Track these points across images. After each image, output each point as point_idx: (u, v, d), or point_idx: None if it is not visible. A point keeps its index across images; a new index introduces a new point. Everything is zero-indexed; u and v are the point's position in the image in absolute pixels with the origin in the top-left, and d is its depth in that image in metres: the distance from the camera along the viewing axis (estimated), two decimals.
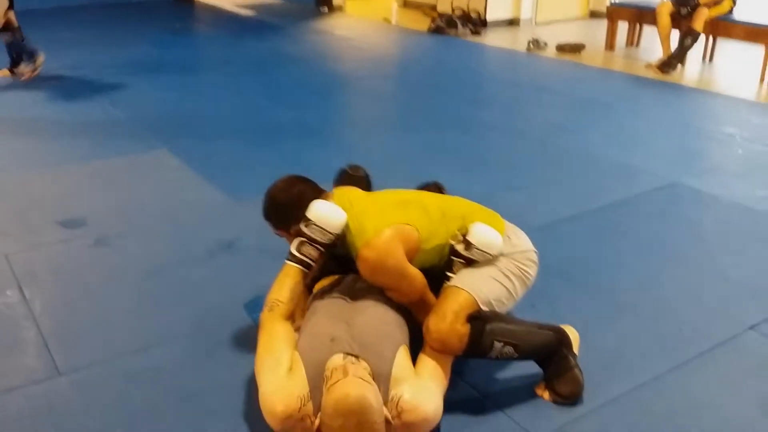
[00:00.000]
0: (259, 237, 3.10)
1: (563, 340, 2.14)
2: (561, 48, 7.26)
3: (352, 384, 1.73)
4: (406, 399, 1.84)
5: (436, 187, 2.73)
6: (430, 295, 2.15)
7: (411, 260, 2.09)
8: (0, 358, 2.30)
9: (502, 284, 2.15)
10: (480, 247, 2.13)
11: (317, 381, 1.84)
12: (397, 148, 4.43)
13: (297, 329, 2.09)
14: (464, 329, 2.01)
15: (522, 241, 2.29)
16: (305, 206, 2.12)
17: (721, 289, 2.79)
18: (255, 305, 2.58)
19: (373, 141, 4.59)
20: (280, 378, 1.88)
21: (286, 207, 2.20)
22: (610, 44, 7.37)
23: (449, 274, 2.15)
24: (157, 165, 4.02)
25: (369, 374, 1.83)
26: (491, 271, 2.16)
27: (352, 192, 2.27)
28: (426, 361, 2.00)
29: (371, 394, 1.72)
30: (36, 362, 2.29)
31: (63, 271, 2.86)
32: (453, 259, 2.16)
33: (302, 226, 2.11)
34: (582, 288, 2.79)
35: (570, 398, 2.10)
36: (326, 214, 2.09)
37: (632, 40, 7.47)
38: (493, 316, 2.08)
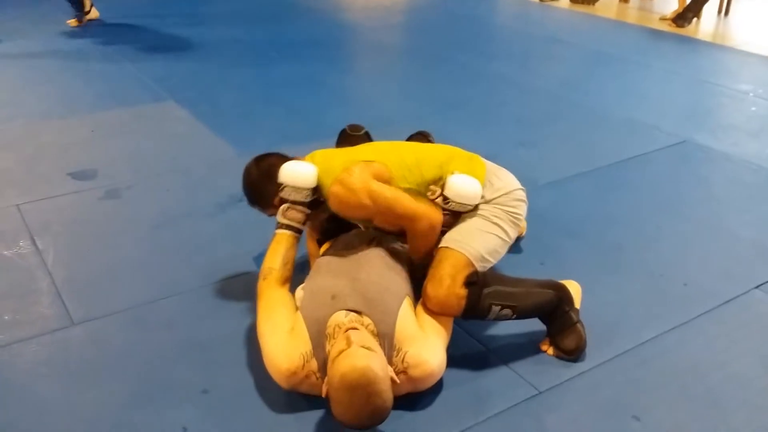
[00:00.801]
0: None
1: (564, 296, 2.15)
2: None
3: (356, 355, 1.71)
4: (411, 354, 1.88)
5: (422, 136, 2.72)
6: (426, 207, 2.14)
7: None
8: (15, 308, 2.34)
9: (492, 234, 2.17)
10: (457, 200, 2.15)
11: (320, 339, 1.87)
12: (405, 101, 4.40)
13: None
14: (462, 292, 2.03)
15: (506, 182, 2.28)
16: (276, 174, 2.15)
17: (729, 248, 2.80)
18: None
19: (381, 94, 4.56)
20: (281, 338, 1.92)
21: (260, 183, 2.22)
22: None
23: None
24: (165, 116, 4.01)
25: (373, 334, 1.86)
26: (478, 223, 2.18)
27: (323, 150, 2.28)
28: (427, 316, 2.03)
29: (376, 363, 1.72)
30: (50, 312, 2.33)
31: (75, 222, 2.89)
32: None
33: (279, 192, 2.15)
34: (590, 245, 2.80)
35: (573, 353, 2.13)
36: (294, 170, 2.12)
37: None
38: (491, 278, 2.10)
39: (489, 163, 2.32)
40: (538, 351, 2.18)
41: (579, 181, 3.34)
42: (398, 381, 1.81)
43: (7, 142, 3.63)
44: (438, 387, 2.00)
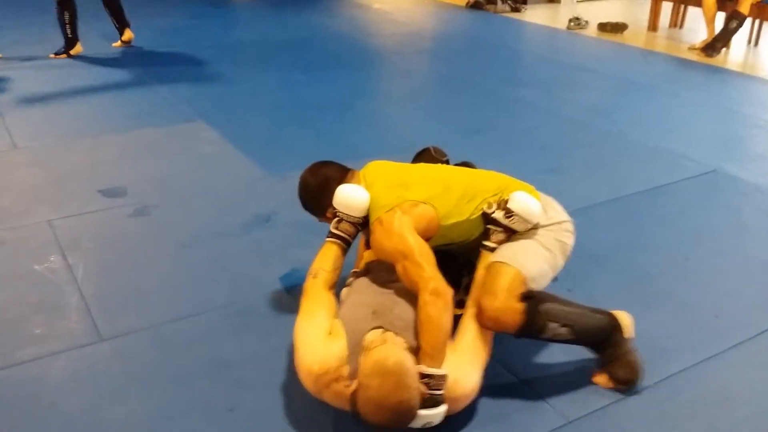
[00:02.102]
0: (295, 212, 3.09)
1: (616, 324, 2.10)
2: (602, 27, 7.14)
3: (391, 348, 1.77)
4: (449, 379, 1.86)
5: (466, 166, 2.70)
6: (440, 282, 1.99)
7: (429, 238, 2.10)
8: (45, 322, 2.37)
9: (545, 257, 2.15)
10: (521, 214, 2.11)
11: (356, 349, 1.87)
12: (431, 126, 4.42)
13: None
14: (519, 307, 1.99)
15: (558, 213, 2.28)
16: (333, 188, 2.17)
17: (761, 279, 2.75)
18: (290, 278, 2.62)
19: (409, 118, 4.58)
20: (318, 339, 1.92)
21: (314, 195, 2.25)
22: (653, 24, 7.22)
23: (487, 243, 2.15)
24: (194, 136, 4.06)
25: (407, 348, 1.86)
26: (532, 245, 2.15)
27: (378, 167, 2.28)
28: (466, 335, 2.00)
29: (408, 360, 1.76)
30: (79, 327, 2.35)
31: (104, 238, 2.92)
32: (491, 228, 2.15)
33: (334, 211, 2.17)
34: (618, 274, 2.78)
35: (630, 383, 2.08)
36: (348, 198, 2.13)
37: (676, 21, 7.31)
38: (547, 296, 2.06)
39: (541, 194, 2.32)
40: (568, 379, 2.15)
41: (606, 209, 3.31)
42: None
43: (40, 159, 3.69)
44: (465, 412, 1.98)
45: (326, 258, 2.13)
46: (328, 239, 2.17)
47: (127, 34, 5.89)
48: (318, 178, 2.25)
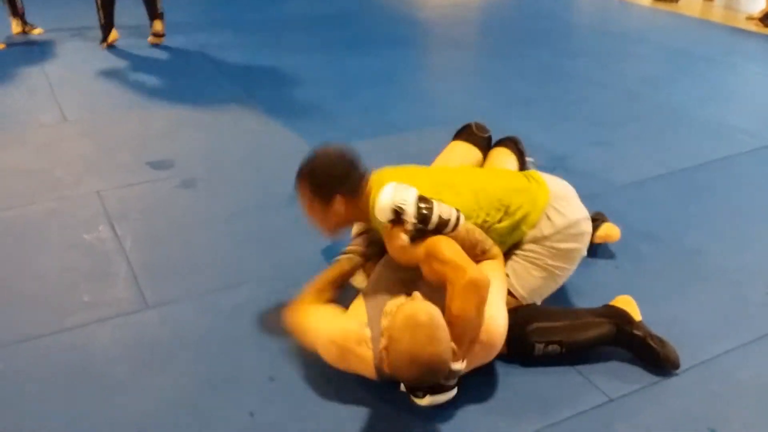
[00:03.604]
0: None
1: (622, 320, 2.07)
2: None
3: (421, 303, 1.77)
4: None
5: (513, 143, 2.62)
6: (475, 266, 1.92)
7: None
8: (93, 290, 2.42)
9: (538, 275, 2.13)
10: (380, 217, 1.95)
11: (377, 315, 1.89)
12: (478, 99, 4.35)
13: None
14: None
15: (567, 213, 2.15)
16: (351, 181, 2.04)
17: None
18: (332, 251, 2.61)
19: (454, 91, 4.52)
20: (333, 316, 1.97)
21: (340, 174, 2.06)
22: None
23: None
24: (241, 111, 4.08)
25: None
26: (521, 266, 2.13)
27: (385, 176, 2.11)
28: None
29: (439, 314, 1.75)
30: (126, 295, 2.40)
31: (152, 209, 2.97)
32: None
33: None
34: (668, 249, 2.70)
35: (665, 366, 2.04)
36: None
37: None
38: (536, 315, 2.07)
39: (553, 189, 2.20)
40: (611, 357, 2.11)
41: (658, 184, 3.22)
42: (459, 352, 1.78)
43: (90, 131, 3.76)
44: (505, 390, 1.98)
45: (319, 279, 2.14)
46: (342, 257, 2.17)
47: (157, 27, 5.31)
48: (344, 159, 2.07)
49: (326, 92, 4.41)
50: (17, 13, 5.37)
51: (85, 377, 2.04)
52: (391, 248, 2.00)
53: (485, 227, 2.07)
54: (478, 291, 1.82)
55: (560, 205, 2.17)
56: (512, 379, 2.02)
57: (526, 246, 2.14)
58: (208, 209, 2.99)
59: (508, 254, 2.16)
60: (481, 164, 2.60)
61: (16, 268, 2.55)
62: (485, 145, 2.62)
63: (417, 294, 1.82)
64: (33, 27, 5.44)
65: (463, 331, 1.81)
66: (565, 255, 2.15)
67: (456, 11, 6.69)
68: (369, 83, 4.55)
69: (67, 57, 4.99)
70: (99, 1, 4.96)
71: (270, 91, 4.40)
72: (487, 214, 2.07)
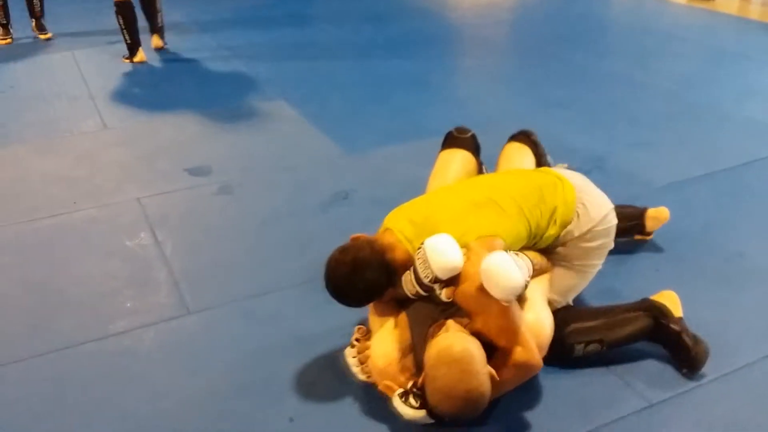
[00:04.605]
0: (372, 189, 3.16)
1: (659, 314, 2.05)
2: None
3: (455, 336, 1.74)
4: (530, 319, 1.86)
5: (525, 136, 2.54)
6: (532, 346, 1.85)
7: None
8: (136, 296, 2.47)
9: (570, 275, 2.10)
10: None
11: (420, 340, 1.85)
12: (511, 101, 4.33)
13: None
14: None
15: (592, 214, 2.06)
16: (390, 270, 1.91)
17: None
18: None
19: (486, 94, 4.50)
20: (384, 333, 1.94)
21: (374, 288, 1.94)
22: None
23: None
24: (275, 115, 4.12)
25: (468, 329, 1.82)
26: (557, 270, 2.09)
27: (404, 211, 2.04)
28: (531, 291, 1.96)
29: (474, 345, 1.72)
30: (168, 301, 2.44)
31: (191, 216, 3.02)
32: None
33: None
34: (709, 251, 2.66)
35: (693, 368, 2.02)
36: (448, 264, 1.81)
37: None
38: (572, 315, 2.05)
39: (576, 183, 2.13)
40: (647, 357, 2.09)
41: (698, 185, 3.17)
42: (498, 378, 1.75)
43: (129, 139, 3.83)
44: (546, 394, 1.97)
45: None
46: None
47: (155, 42, 5.35)
48: (367, 270, 1.89)
49: (359, 95, 4.43)
50: (34, 15, 5.52)
51: (129, 382, 2.08)
52: (466, 292, 1.81)
53: (536, 240, 2.04)
54: (528, 373, 1.84)
55: (586, 200, 2.10)
56: (551, 383, 2.01)
57: (557, 248, 2.10)
58: (245, 215, 3.02)
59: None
60: (476, 165, 2.52)
61: (61, 274, 2.61)
62: (472, 145, 2.52)
63: (450, 323, 1.79)
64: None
65: (497, 392, 1.79)
66: (595, 252, 2.11)
67: (489, 11, 6.66)
68: (402, 86, 4.56)
69: (103, 67, 5.03)
70: (122, 22, 4.90)
71: (303, 93, 4.43)
72: (537, 226, 2.02)
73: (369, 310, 2.08)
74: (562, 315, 2.04)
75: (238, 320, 2.34)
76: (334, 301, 2.18)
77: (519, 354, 1.78)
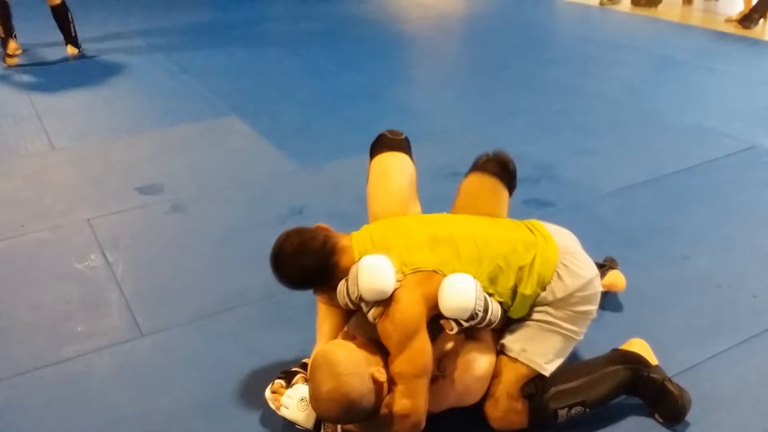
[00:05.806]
0: (327, 202, 3.17)
1: (638, 364, 1.98)
2: (636, 2, 6.99)
3: (331, 343, 1.86)
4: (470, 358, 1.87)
5: (501, 167, 2.14)
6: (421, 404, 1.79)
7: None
8: (87, 320, 2.43)
9: (558, 339, 1.94)
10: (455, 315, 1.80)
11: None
12: (463, 111, 4.39)
13: None
14: (520, 407, 1.89)
15: (579, 273, 1.93)
16: (331, 267, 1.89)
17: None
18: None
19: (439, 104, 4.56)
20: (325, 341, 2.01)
21: (314, 277, 1.92)
22: None
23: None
24: (227, 130, 4.10)
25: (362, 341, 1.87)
26: (544, 329, 1.93)
27: (374, 232, 1.97)
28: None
29: (344, 350, 1.77)
30: (120, 323, 2.41)
31: (142, 235, 2.98)
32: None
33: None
34: (654, 255, 2.74)
35: (678, 418, 1.95)
36: (375, 287, 1.77)
37: None
38: (551, 379, 1.91)
39: (560, 243, 1.98)
40: (628, 414, 2.00)
41: (643, 190, 3.27)
42: (382, 379, 1.75)
43: (79, 158, 3.77)
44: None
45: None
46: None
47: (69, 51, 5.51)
48: (308, 259, 1.88)
49: (312, 109, 4.44)
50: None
51: (84, 407, 2.05)
52: (386, 321, 1.78)
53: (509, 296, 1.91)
54: (405, 428, 1.78)
55: (570, 261, 1.94)
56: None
57: (538, 310, 1.94)
58: (198, 232, 3.01)
59: (519, 321, 1.97)
60: (414, 169, 2.22)
61: (10, 299, 2.56)
62: (407, 146, 2.26)
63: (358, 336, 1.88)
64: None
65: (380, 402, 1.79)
66: (580, 318, 1.94)
67: (440, 23, 6.74)
68: (355, 99, 4.59)
69: (49, 84, 4.95)
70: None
71: (255, 109, 4.42)
72: (494, 279, 1.88)
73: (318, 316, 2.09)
74: (544, 380, 1.91)
75: (194, 340, 2.33)
76: (291, 317, 2.20)
77: (402, 405, 1.75)
